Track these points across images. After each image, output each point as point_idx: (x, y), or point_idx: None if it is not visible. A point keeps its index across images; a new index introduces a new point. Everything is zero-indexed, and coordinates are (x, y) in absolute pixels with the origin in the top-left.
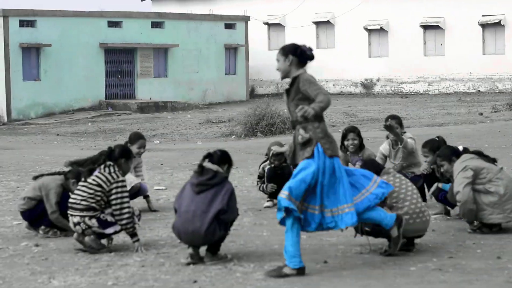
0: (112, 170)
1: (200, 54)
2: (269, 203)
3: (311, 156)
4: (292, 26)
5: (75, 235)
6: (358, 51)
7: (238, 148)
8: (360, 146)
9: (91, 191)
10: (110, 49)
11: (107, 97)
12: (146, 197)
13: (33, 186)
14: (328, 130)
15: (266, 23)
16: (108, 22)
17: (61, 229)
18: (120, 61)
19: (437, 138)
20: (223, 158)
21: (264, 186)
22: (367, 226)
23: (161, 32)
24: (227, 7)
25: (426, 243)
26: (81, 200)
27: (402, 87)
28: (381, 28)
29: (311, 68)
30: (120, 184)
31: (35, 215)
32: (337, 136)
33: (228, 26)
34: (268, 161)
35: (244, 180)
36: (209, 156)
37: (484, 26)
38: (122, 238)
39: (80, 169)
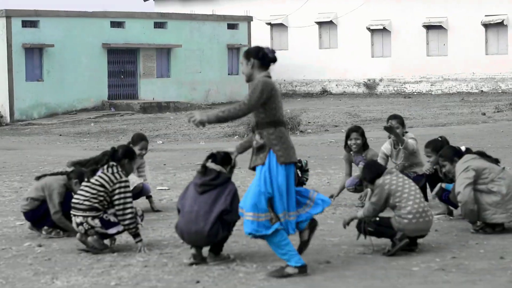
0: (115, 170)
1: (203, 54)
2: None
3: (263, 163)
4: (295, 26)
5: (78, 235)
6: (361, 51)
7: None
8: (364, 146)
9: (94, 191)
10: (113, 49)
11: (110, 98)
12: (149, 197)
13: (35, 186)
14: (286, 137)
15: (269, 23)
16: (111, 22)
17: (64, 229)
18: (123, 62)
19: (440, 138)
20: (226, 159)
21: None
22: (370, 227)
23: (164, 32)
24: (229, 7)
25: (429, 243)
26: (84, 200)
27: (404, 87)
28: (384, 28)
29: (315, 68)
30: (123, 184)
31: (38, 215)
32: (341, 137)
33: (231, 26)
34: None
35: (247, 180)
36: (212, 157)
37: (487, 26)
38: (125, 238)
39: (83, 169)
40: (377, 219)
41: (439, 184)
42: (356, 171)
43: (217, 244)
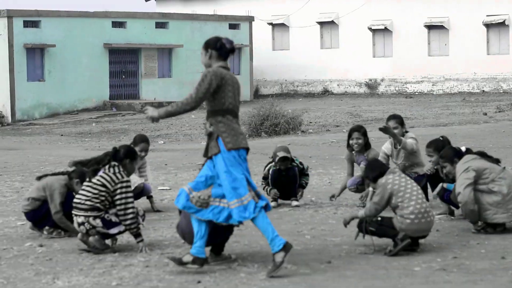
0: (116, 170)
1: None
2: (273, 203)
3: (219, 151)
4: (296, 26)
5: (79, 235)
6: (362, 51)
7: None
8: (366, 146)
9: (96, 191)
10: (114, 49)
11: (112, 98)
12: (150, 197)
13: (37, 186)
14: (235, 124)
15: (270, 24)
16: (112, 22)
17: (65, 229)
18: (124, 62)
19: (441, 138)
20: None
21: (268, 189)
22: (371, 226)
23: (165, 32)
24: (231, 8)
25: (430, 243)
26: (86, 200)
27: (406, 87)
28: (385, 28)
29: (317, 68)
30: (124, 184)
31: (39, 215)
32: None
33: (232, 27)
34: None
35: None
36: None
37: (488, 26)
38: (126, 238)
39: (84, 169)
40: (379, 219)
41: (440, 184)
42: (358, 171)
43: (218, 243)
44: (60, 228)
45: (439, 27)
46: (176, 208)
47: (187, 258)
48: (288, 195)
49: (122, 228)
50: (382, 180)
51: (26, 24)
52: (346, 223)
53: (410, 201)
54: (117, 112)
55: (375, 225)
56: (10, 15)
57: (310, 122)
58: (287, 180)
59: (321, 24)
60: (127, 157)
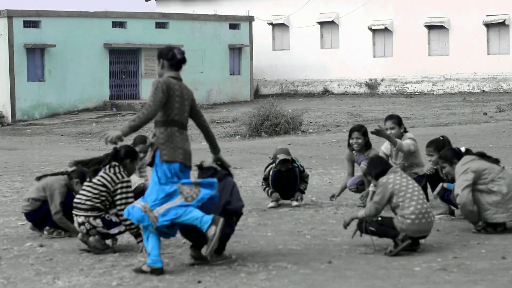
0: (117, 170)
1: (204, 54)
2: (273, 203)
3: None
4: (297, 26)
5: (79, 235)
6: (363, 51)
7: (242, 149)
8: (366, 145)
9: (96, 191)
10: (115, 49)
11: (112, 98)
12: None
13: (37, 186)
14: (178, 137)
15: (271, 23)
16: (113, 22)
17: (65, 229)
18: (124, 62)
19: (441, 138)
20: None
21: (269, 192)
22: (372, 226)
23: (166, 32)
24: (231, 8)
25: (431, 243)
26: (86, 200)
27: (406, 87)
28: (386, 28)
29: (317, 68)
30: (125, 184)
31: (39, 216)
32: (342, 137)
33: (233, 27)
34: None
35: (248, 180)
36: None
37: (488, 26)
38: (126, 238)
39: (84, 169)
40: (379, 219)
41: (440, 184)
42: (359, 171)
43: (219, 243)
44: (60, 228)
45: (439, 27)
46: None
47: (145, 268)
48: (288, 196)
49: (122, 228)
50: (383, 180)
51: (26, 24)
52: (346, 225)
53: (411, 201)
54: (118, 112)
55: (375, 225)
56: (10, 15)
57: (310, 122)
58: (288, 181)
59: (321, 24)
60: (128, 157)
